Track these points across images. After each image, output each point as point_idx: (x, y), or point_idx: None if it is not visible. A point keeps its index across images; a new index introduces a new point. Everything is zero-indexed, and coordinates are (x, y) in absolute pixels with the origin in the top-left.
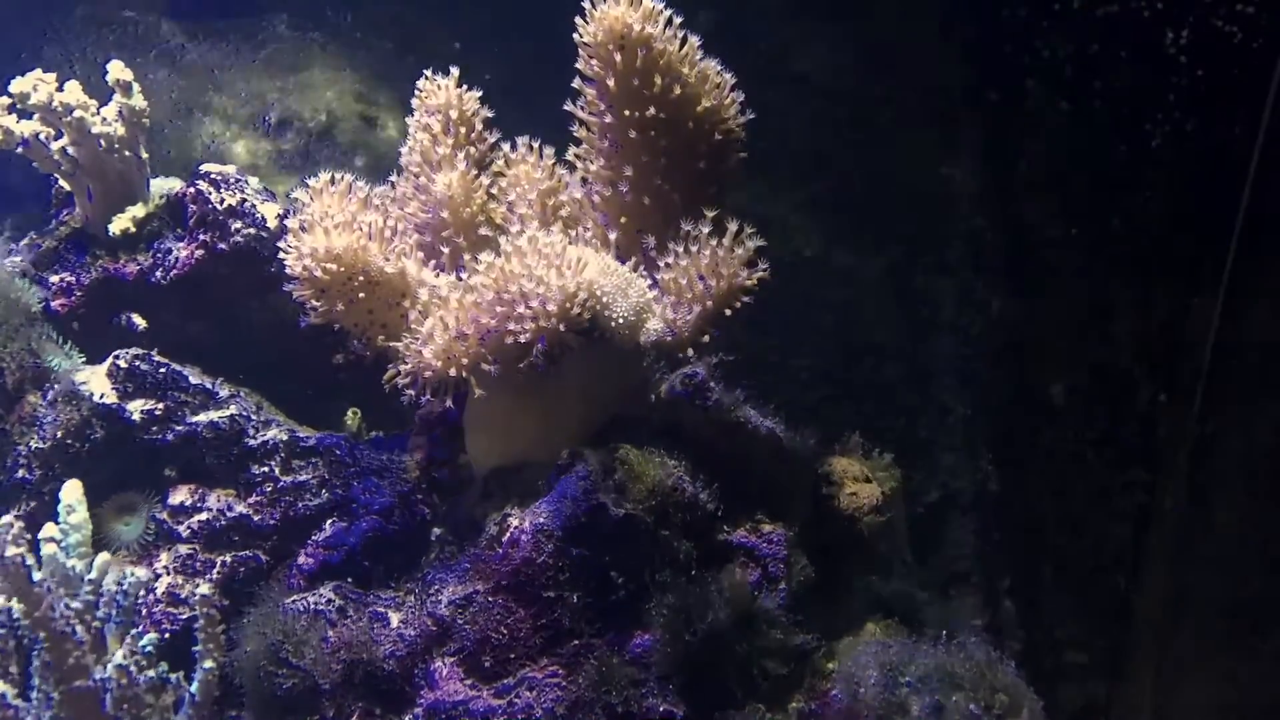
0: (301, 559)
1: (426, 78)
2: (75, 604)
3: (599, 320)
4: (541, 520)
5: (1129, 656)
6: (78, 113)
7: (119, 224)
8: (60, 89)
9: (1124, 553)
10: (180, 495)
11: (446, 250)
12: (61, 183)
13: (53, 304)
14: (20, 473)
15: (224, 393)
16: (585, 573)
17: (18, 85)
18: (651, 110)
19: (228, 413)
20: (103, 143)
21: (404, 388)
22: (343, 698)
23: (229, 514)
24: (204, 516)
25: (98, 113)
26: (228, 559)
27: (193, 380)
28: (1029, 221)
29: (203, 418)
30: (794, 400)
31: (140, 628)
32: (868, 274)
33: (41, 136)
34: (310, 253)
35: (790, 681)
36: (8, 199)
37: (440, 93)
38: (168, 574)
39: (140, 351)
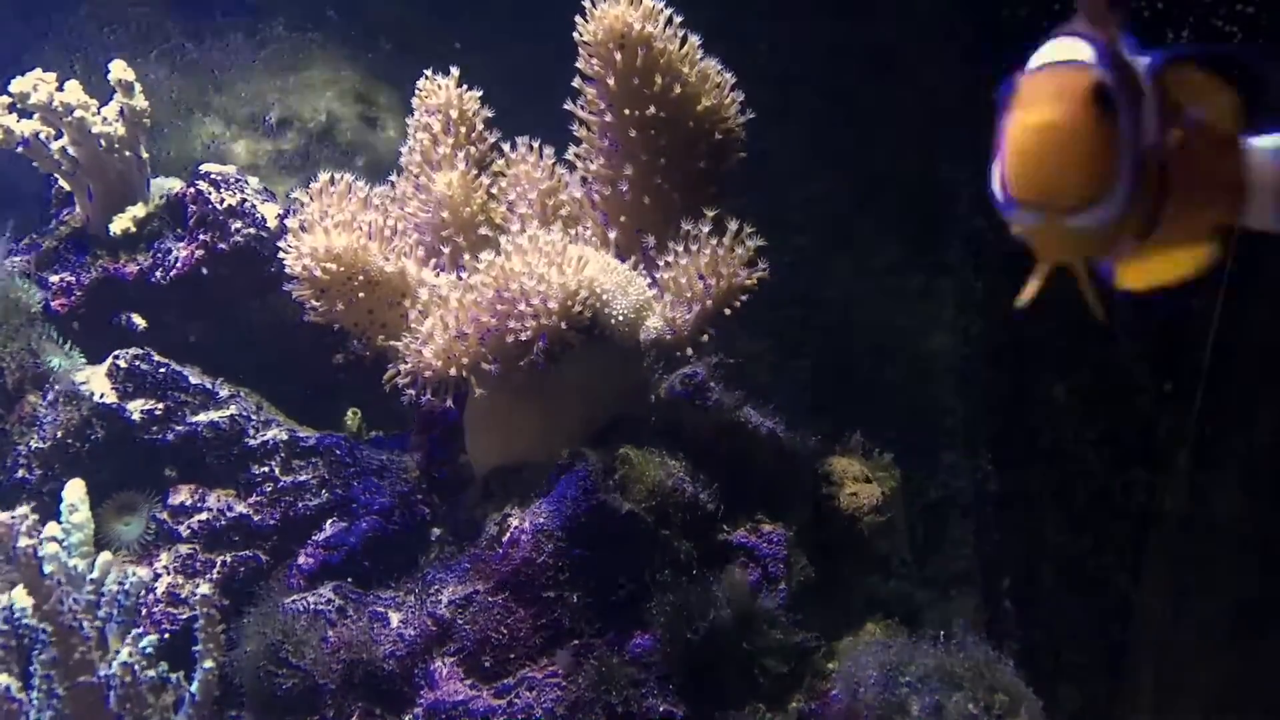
0: (301, 559)
1: (426, 77)
2: (80, 601)
3: (599, 318)
4: (541, 520)
5: (1129, 656)
6: (78, 112)
7: (119, 224)
8: (60, 89)
9: (1124, 553)
10: (180, 495)
11: (446, 250)
12: (61, 183)
13: (53, 304)
14: (20, 473)
15: (224, 393)
16: (585, 572)
17: (18, 85)
18: (652, 109)
19: (228, 413)
20: (103, 142)
21: (404, 388)
22: (343, 698)
23: (229, 514)
24: (204, 516)
25: (98, 112)
26: (228, 559)
27: (193, 380)
28: None
29: (203, 418)
30: (794, 400)
31: (141, 628)
32: (868, 274)
33: (42, 136)
34: (310, 252)
35: (790, 681)
36: (8, 199)
37: (440, 92)
38: (168, 574)
39: (140, 351)
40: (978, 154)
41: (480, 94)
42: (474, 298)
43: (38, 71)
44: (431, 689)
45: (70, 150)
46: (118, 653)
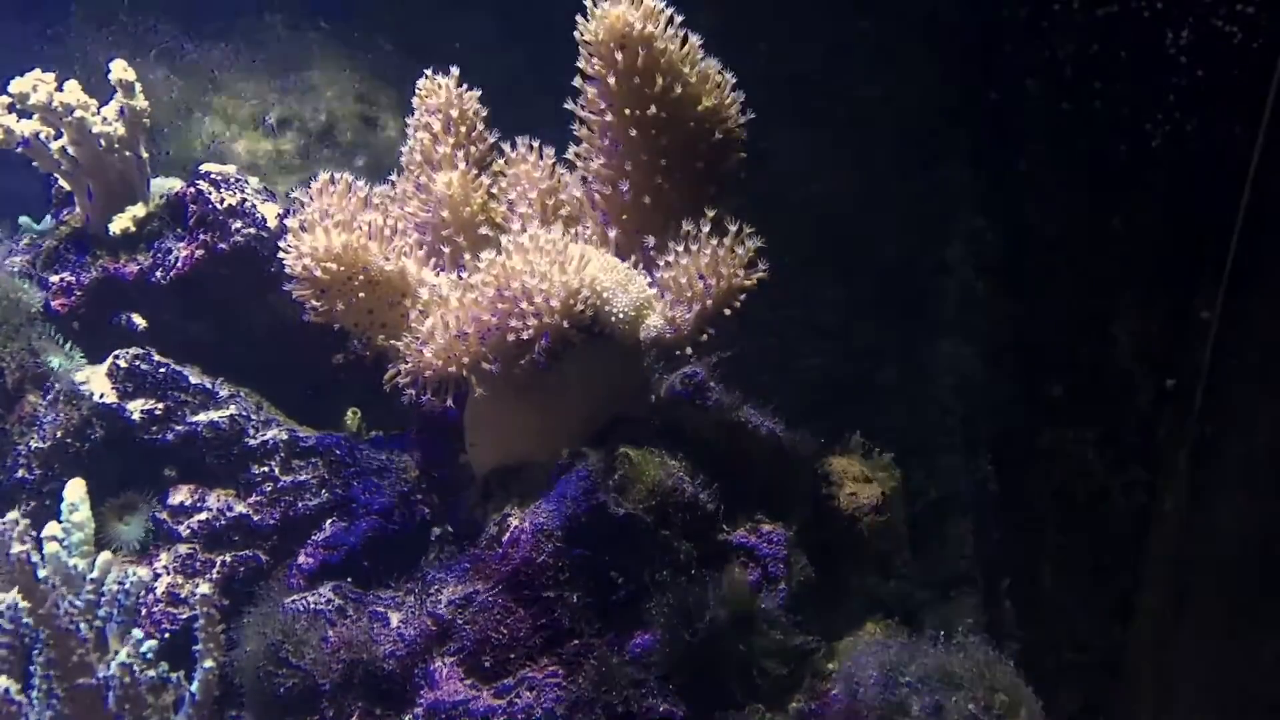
0: (301, 559)
1: (427, 77)
2: (78, 603)
3: (600, 316)
4: (541, 520)
5: (1129, 656)
6: (78, 112)
7: (119, 224)
8: (60, 89)
9: (1124, 553)
10: (180, 495)
11: (447, 250)
12: (61, 182)
13: (53, 304)
14: (20, 472)
15: (224, 393)
16: (585, 573)
17: (17, 85)
18: (652, 109)
19: (228, 413)
20: (103, 142)
21: (404, 387)
22: (342, 697)
23: (229, 514)
24: (204, 516)
25: (98, 112)
26: (227, 559)
27: (193, 380)
28: (1029, 221)
29: (203, 417)
30: (794, 400)
31: (140, 628)
32: (868, 273)
33: (41, 136)
34: (310, 252)
35: (790, 682)
36: (8, 199)
37: (440, 92)
38: (167, 574)
39: (140, 351)
40: (978, 154)
41: (480, 93)
42: (475, 297)
43: (37, 72)
44: (431, 689)
45: (70, 150)
46: (117, 653)
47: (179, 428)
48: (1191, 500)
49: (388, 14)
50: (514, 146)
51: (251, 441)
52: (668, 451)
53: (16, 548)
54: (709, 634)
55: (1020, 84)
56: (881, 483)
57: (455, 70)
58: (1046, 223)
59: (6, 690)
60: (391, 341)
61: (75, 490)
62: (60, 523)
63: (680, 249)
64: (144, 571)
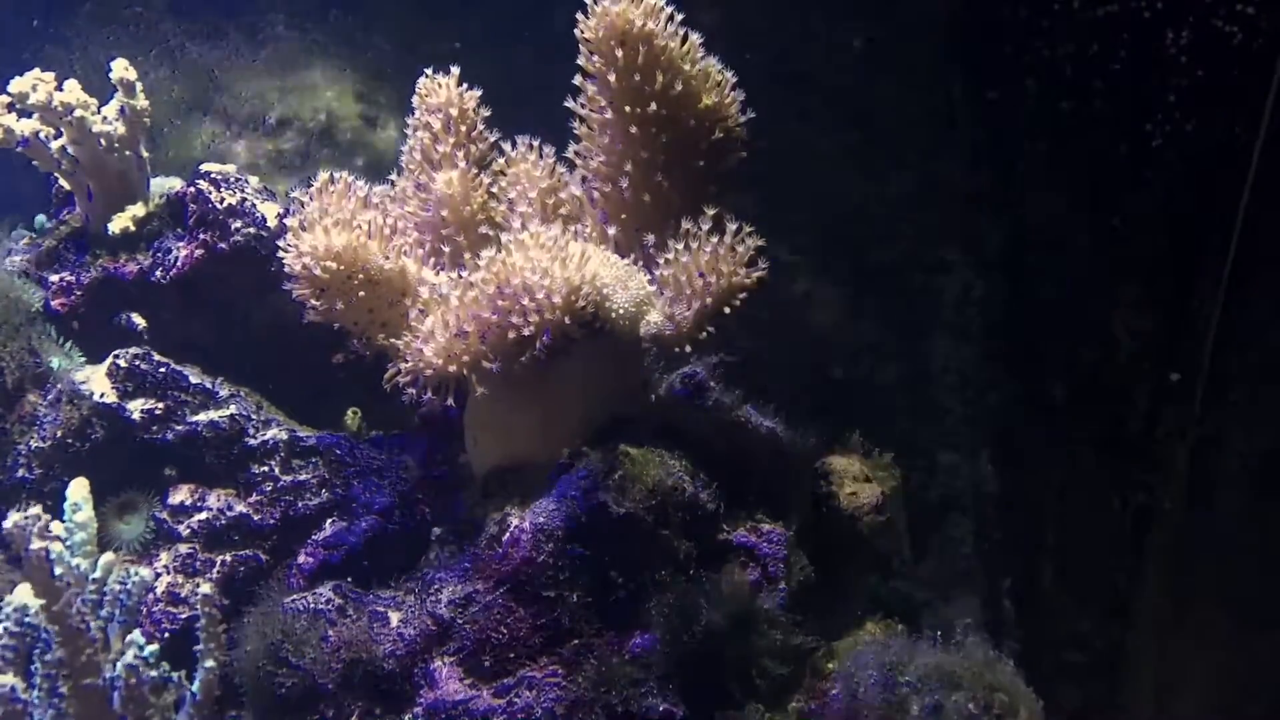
0: (301, 558)
1: (427, 76)
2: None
3: (600, 312)
4: (541, 520)
5: (1129, 656)
6: (78, 112)
7: (119, 223)
8: (60, 88)
9: (1124, 553)
10: (180, 495)
11: (447, 249)
12: (61, 182)
13: (53, 303)
14: (20, 472)
15: (224, 392)
16: (585, 572)
17: (17, 84)
18: (653, 107)
19: (228, 412)
20: (103, 142)
21: (404, 387)
22: (342, 697)
23: (229, 513)
24: (204, 516)
25: (98, 112)
26: (228, 558)
27: (193, 380)
28: (1029, 221)
29: (203, 417)
30: (794, 400)
31: (141, 628)
32: (867, 273)
33: (41, 135)
34: (310, 251)
35: (790, 681)
36: (8, 199)
37: (441, 91)
38: (168, 573)
39: (140, 351)
40: (978, 154)
41: (480, 93)
42: (475, 294)
43: (36, 71)
44: (431, 688)
45: (70, 150)
46: (121, 654)
47: (179, 427)
48: (1191, 500)
49: (388, 14)
50: (514, 146)
51: (251, 441)
52: (668, 451)
53: (36, 543)
54: (709, 634)
55: (1020, 84)
56: (881, 482)
57: (455, 69)
58: (1046, 222)
59: (13, 688)
60: (391, 341)
61: (78, 490)
62: (63, 522)
63: (680, 247)
64: (147, 571)
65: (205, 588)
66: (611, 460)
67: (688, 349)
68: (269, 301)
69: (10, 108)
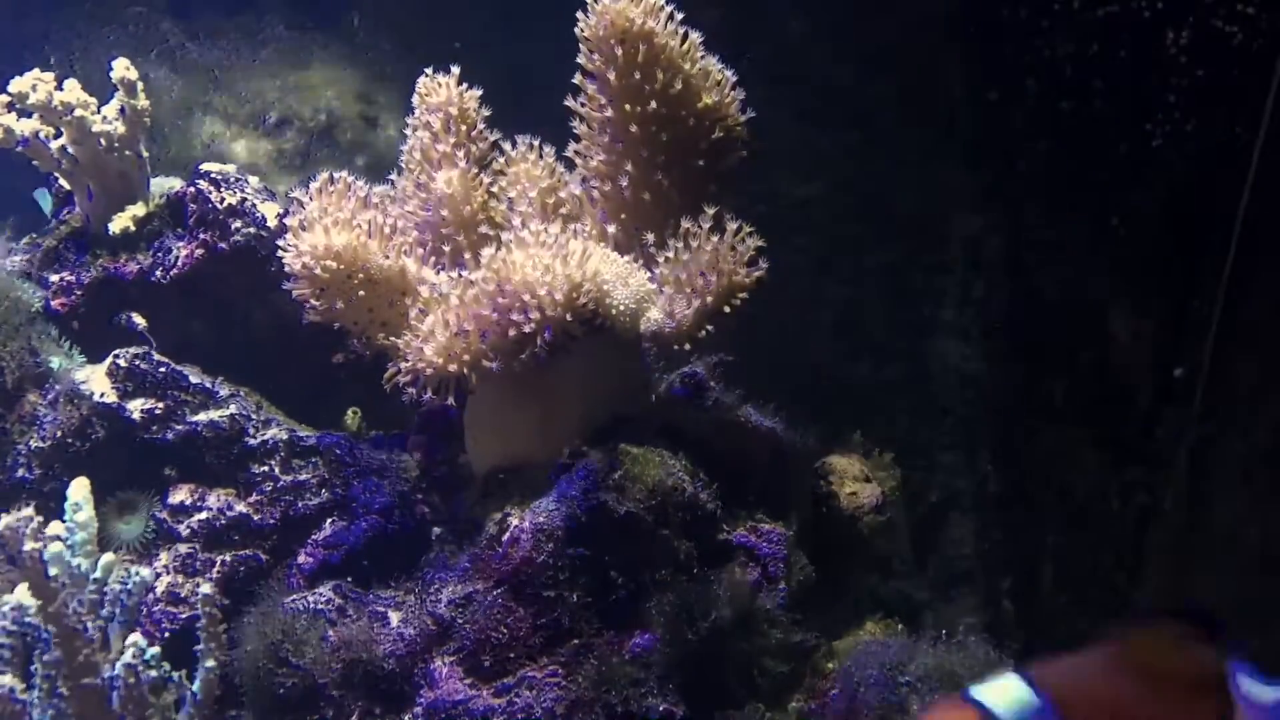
0: (301, 558)
1: (427, 76)
2: (83, 602)
3: (601, 309)
4: (541, 519)
5: None
6: (78, 111)
7: (119, 223)
8: (60, 88)
9: (1124, 553)
10: (180, 494)
11: (447, 248)
12: (61, 182)
13: (53, 303)
14: (20, 472)
15: (224, 392)
16: (585, 572)
17: (16, 84)
18: (653, 105)
19: (228, 412)
20: (103, 142)
21: (404, 386)
22: (342, 697)
23: (229, 513)
24: (204, 516)
25: (98, 111)
26: (227, 558)
27: (193, 379)
28: (1029, 221)
29: (203, 417)
30: (794, 400)
31: (142, 627)
32: (868, 273)
33: (41, 135)
34: (310, 250)
35: (790, 681)
36: (8, 199)
37: (441, 91)
38: (167, 573)
39: (140, 351)
40: (977, 153)
41: (480, 93)
42: (475, 293)
43: (36, 71)
44: (431, 688)
45: (70, 149)
46: (122, 653)
47: (179, 427)
48: (1191, 500)
49: (388, 13)
50: (514, 145)
51: (251, 441)
52: (668, 451)
53: (29, 545)
54: (709, 633)
55: (1020, 84)
56: (881, 482)
57: (455, 69)
58: (1046, 223)
59: (11, 689)
60: (391, 340)
61: (79, 490)
62: (64, 522)
63: (680, 245)
64: (147, 571)
65: (205, 588)
66: (612, 460)
67: (687, 347)
68: (269, 301)
69: (10, 107)
